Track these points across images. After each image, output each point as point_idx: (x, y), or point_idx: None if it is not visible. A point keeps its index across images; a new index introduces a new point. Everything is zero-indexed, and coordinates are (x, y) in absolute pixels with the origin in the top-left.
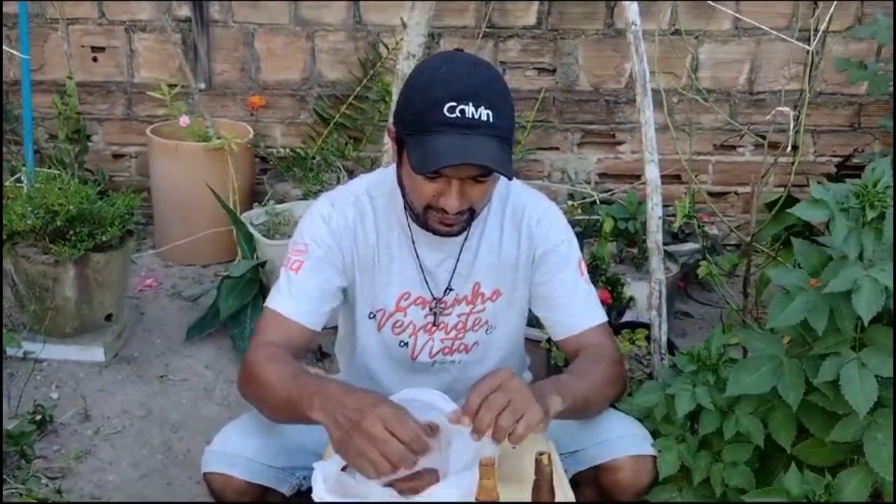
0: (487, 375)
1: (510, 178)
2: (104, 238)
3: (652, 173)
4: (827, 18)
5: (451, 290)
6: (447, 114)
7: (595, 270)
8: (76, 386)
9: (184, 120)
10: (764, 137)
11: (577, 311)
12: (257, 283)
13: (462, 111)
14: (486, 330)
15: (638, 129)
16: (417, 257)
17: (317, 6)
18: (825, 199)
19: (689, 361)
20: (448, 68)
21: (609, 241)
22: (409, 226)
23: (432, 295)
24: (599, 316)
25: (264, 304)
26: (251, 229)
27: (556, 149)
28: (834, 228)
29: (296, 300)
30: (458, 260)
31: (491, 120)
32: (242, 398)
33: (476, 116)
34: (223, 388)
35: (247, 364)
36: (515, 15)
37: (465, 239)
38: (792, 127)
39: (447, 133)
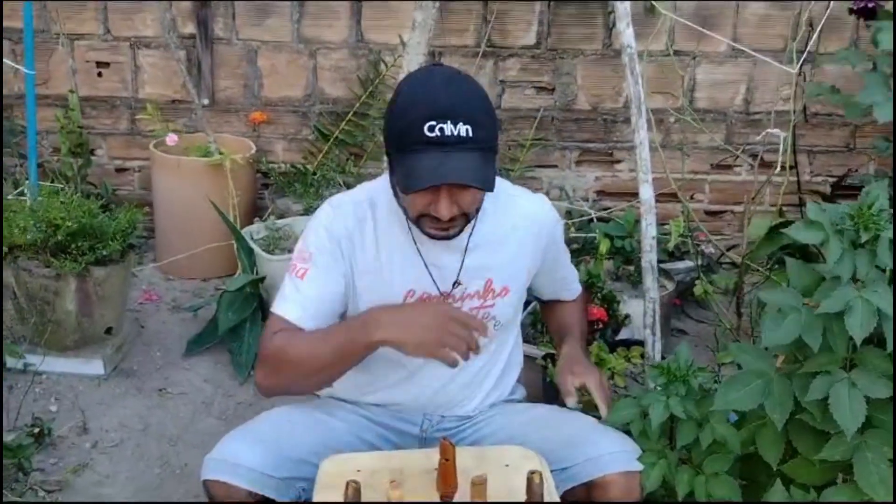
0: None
1: (491, 191)
2: (105, 252)
3: (646, 193)
4: (814, 39)
5: (458, 283)
6: (427, 133)
7: (591, 288)
8: (75, 399)
9: (171, 138)
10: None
11: (571, 281)
12: (256, 298)
13: (441, 129)
14: (494, 325)
15: (635, 148)
16: (421, 255)
17: (319, 25)
18: (820, 220)
19: (659, 374)
20: (425, 87)
21: (605, 260)
22: (409, 227)
23: (439, 290)
24: (576, 274)
25: (270, 310)
26: (251, 244)
27: (555, 166)
28: (828, 250)
29: (302, 307)
30: (464, 255)
31: (471, 134)
32: (266, 396)
33: (455, 133)
34: (221, 402)
35: (267, 356)
36: (515, 35)
37: (471, 235)
38: (782, 147)
39: (428, 152)
